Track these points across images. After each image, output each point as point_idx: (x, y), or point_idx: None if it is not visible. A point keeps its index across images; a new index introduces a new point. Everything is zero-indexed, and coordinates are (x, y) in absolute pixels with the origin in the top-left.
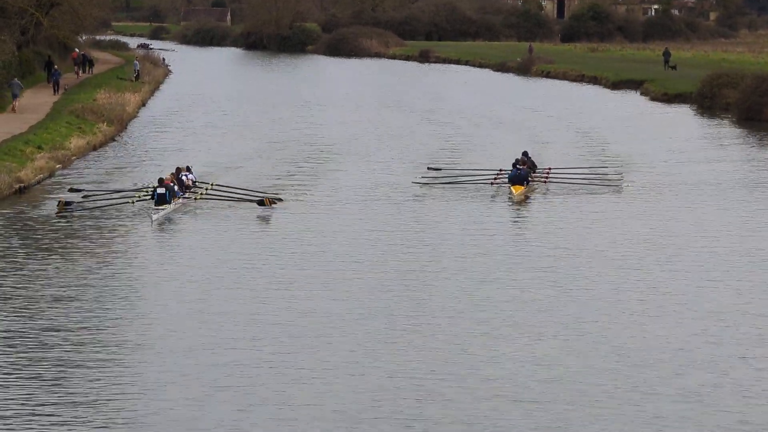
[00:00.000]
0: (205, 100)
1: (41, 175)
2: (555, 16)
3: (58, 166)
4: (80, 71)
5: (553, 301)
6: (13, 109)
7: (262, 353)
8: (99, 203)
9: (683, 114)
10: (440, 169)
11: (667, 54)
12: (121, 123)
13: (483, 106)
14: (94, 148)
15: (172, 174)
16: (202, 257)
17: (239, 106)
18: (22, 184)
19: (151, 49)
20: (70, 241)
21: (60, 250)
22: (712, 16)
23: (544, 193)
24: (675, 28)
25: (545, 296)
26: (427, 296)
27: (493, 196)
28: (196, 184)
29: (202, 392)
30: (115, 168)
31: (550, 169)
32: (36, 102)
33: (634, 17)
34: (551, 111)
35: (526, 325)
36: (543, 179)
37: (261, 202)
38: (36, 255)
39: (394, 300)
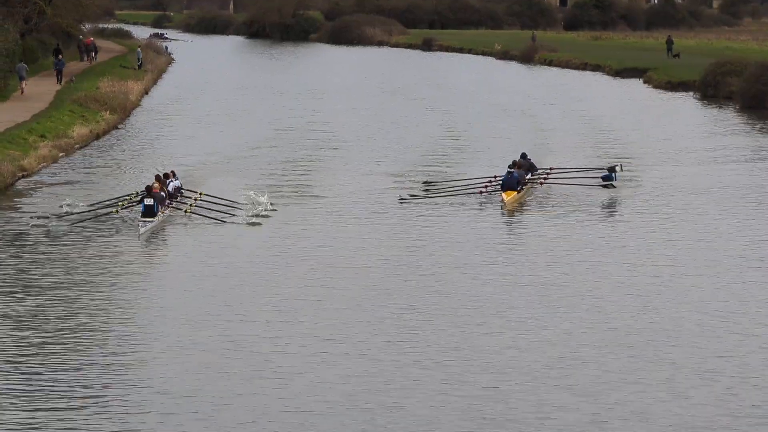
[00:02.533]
0: (209, 89)
1: (44, 164)
2: (558, 4)
3: (61, 154)
4: (93, 58)
5: (545, 317)
6: (22, 92)
7: (264, 375)
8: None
9: (686, 102)
10: (417, 196)
11: (670, 42)
12: (124, 111)
13: (486, 95)
14: (97, 137)
15: (160, 181)
16: (195, 274)
17: (242, 95)
18: (25, 173)
19: (166, 39)
20: (49, 259)
21: (38, 269)
22: (715, 4)
23: (540, 202)
24: (678, 17)
25: (535, 311)
26: (411, 314)
27: (482, 205)
28: (182, 192)
29: (201, 415)
30: (119, 158)
31: (551, 168)
32: (39, 90)
33: (637, 5)
34: (554, 99)
35: (521, 341)
36: (541, 181)
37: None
38: (10, 277)
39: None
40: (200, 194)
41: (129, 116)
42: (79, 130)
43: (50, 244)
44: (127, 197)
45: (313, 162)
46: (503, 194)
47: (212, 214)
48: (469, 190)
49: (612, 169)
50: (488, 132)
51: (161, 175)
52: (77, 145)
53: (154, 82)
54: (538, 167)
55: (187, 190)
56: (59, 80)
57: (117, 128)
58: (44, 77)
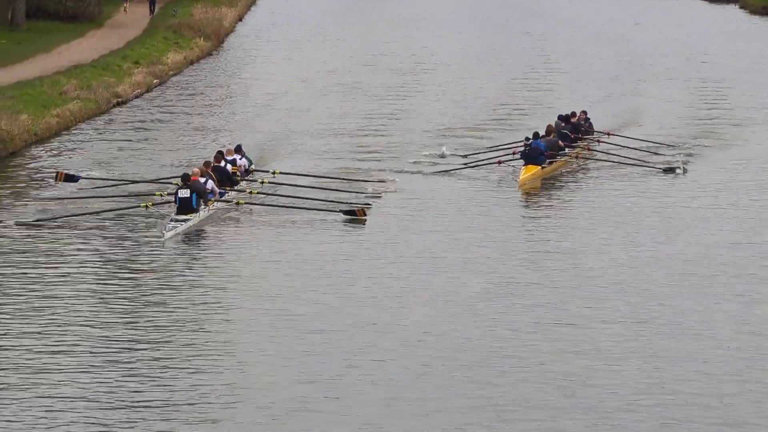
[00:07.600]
0: (302, 16)
1: (139, 90)
2: None
3: (155, 81)
4: None
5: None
6: (125, 11)
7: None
8: (100, 205)
9: None
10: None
11: None
12: (217, 38)
13: (580, 22)
14: (191, 63)
15: (208, 163)
16: (239, 292)
17: (335, 23)
18: (120, 99)
19: None
20: (44, 265)
21: (31, 279)
22: None
23: (571, 174)
24: None
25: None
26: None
27: (499, 181)
28: (251, 172)
29: None
30: (211, 85)
31: (609, 134)
32: (133, 18)
33: None
34: (649, 25)
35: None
36: (576, 154)
37: (351, 212)
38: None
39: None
40: (274, 173)
41: (223, 43)
42: (173, 57)
43: (38, 249)
44: (160, 193)
45: (394, 102)
46: (522, 168)
47: (285, 202)
48: (491, 159)
49: (671, 170)
50: (579, 61)
51: (224, 151)
52: (171, 72)
53: (248, 8)
54: (594, 130)
55: (257, 170)
56: (152, 11)
57: (210, 54)
58: (138, 5)
